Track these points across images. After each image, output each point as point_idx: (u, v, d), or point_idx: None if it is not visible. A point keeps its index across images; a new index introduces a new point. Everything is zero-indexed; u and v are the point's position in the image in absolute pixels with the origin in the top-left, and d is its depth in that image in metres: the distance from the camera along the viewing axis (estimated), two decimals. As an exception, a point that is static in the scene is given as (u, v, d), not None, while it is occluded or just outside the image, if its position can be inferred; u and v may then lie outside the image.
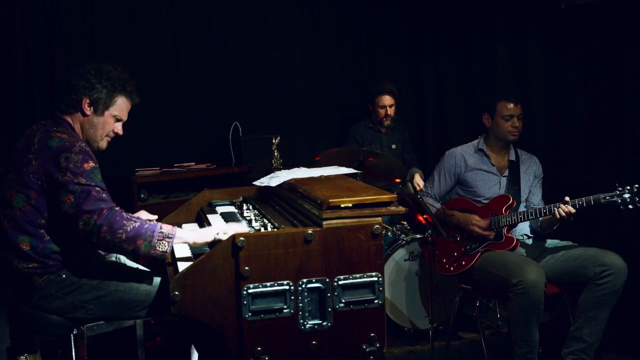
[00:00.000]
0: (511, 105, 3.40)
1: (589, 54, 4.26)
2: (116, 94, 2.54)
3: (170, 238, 2.31)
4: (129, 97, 2.59)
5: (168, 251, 2.31)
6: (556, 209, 3.10)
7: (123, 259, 2.87)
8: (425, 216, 3.18)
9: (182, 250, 2.50)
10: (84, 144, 2.41)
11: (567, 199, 3.09)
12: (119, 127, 2.61)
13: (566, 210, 3.06)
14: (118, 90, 2.54)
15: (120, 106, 2.57)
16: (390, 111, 4.68)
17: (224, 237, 2.29)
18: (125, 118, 2.61)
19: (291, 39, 4.94)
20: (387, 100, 4.67)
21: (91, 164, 2.35)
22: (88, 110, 2.51)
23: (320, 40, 5.03)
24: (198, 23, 4.65)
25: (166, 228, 2.33)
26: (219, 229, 2.41)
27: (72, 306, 2.43)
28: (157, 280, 2.55)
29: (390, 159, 4.21)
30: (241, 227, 2.44)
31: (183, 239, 2.38)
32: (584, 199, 3.05)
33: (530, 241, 3.43)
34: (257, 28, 4.82)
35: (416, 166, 4.72)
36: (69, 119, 2.53)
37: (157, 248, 2.29)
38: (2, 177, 2.44)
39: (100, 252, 2.68)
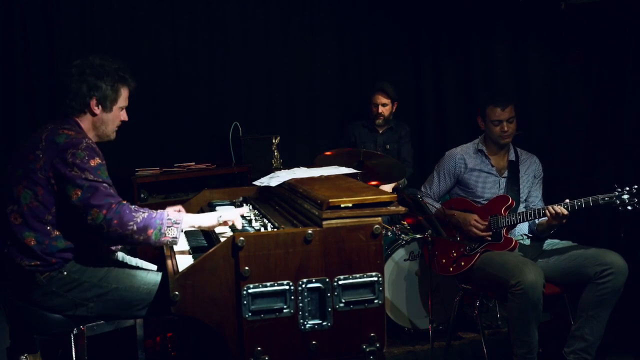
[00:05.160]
0: (499, 110, 3.37)
1: (589, 54, 4.26)
2: (118, 86, 2.58)
3: (179, 224, 2.40)
4: (128, 84, 2.63)
5: (178, 236, 2.39)
6: (547, 209, 3.10)
7: (121, 256, 2.88)
8: (425, 216, 3.18)
9: (180, 246, 2.55)
10: (90, 141, 2.44)
11: (566, 201, 3.09)
12: (124, 115, 2.66)
13: (558, 210, 3.06)
14: (119, 82, 2.58)
15: (124, 96, 2.62)
16: (383, 110, 4.67)
17: (225, 218, 2.50)
18: (127, 104, 2.66)
19: (291, 39, 4.93)
20: (380, 99, 4.67)
21: (98, 160, 2.39)
22: (97, 110, 2.55)
23: (321, 40, 5.02)
24: (198, 23, 4.65)
25: (173, 215, 2.42)
26: (221, 213, 2.52)
27: (72, 304, 2.44)
28: (158, 278, 2.55)
29: (390, 160, 4.21)
30: (241, 211, 2.62)
31: (190, 224, 2.48)
32: (582, 200, 3.05)
33: (529, 241, 3.43)
34: (257, 28, 4.82)
35: (410, 165, 4.70)
36: (76, 119, 2.55)
37: (167, 235, 2.37)
38: (10, 173, 2.45)
39: (105, 248, 2.69)
